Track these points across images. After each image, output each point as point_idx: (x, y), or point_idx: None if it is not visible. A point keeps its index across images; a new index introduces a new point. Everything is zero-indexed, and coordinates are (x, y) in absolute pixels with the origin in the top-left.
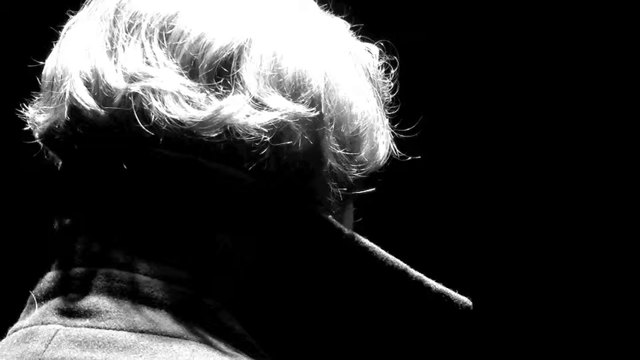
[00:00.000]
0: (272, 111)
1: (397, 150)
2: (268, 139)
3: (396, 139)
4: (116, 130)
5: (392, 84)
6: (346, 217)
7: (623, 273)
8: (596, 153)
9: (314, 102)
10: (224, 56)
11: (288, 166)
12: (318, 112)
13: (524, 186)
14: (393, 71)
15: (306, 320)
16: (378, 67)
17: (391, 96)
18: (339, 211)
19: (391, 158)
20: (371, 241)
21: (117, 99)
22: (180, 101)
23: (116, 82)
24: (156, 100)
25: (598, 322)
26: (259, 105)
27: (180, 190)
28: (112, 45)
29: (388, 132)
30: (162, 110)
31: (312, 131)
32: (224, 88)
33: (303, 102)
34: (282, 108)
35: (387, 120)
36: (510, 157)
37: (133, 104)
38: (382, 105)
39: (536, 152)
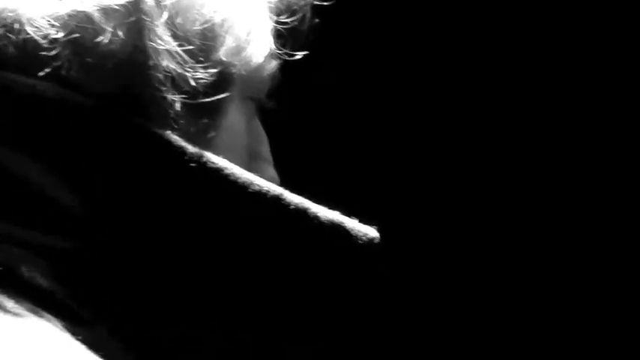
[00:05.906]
0: None
1: (280, 48)
2: (62, 35)
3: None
4: None
5: None
6: (221, 133)
7: (620, 272)
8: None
9: None
10: None
11: (97, 70)
12: (130, 0)
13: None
14: None
15: (149, 262)
16: None
17: None
18: (196, 125)
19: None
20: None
21: None
22: None
23: None
24: None
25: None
26: None
27: None
28: None
29: (269, 28)
30: None
31: (125, 23)
32: None
33: None
34: None
35: (272, 14)
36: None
37: None
38: None
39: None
